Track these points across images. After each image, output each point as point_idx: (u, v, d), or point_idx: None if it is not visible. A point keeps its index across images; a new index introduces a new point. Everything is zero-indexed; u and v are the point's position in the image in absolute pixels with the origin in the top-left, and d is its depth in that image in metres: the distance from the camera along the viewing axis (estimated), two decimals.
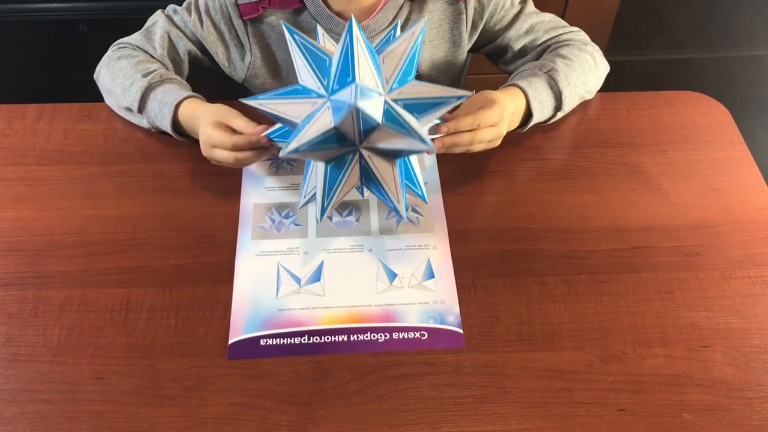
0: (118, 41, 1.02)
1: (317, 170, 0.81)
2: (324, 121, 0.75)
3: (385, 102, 0.76)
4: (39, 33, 1.83)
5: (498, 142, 0.90)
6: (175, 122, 0.93)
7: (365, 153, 0.79)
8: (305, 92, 0.81)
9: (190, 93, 0.94)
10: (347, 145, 0.78)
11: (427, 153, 0.89)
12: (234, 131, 0.85)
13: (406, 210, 0.82)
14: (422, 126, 0.78)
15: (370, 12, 0.98)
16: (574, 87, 0.96)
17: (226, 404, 0.73)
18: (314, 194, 0.83)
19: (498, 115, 0.87)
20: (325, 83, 0.79)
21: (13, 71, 1.89)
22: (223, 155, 0.85)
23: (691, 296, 0.82)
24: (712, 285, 0.83)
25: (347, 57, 0.75)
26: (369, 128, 0.75)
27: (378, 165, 0.80)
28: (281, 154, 0.75)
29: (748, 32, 2.28)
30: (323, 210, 0.81)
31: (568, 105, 0.98)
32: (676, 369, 0.76)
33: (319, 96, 0.79)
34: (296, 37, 0.81)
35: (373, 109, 0.74)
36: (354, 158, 0.80)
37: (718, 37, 2.26)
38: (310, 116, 0.77)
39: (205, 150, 0.88)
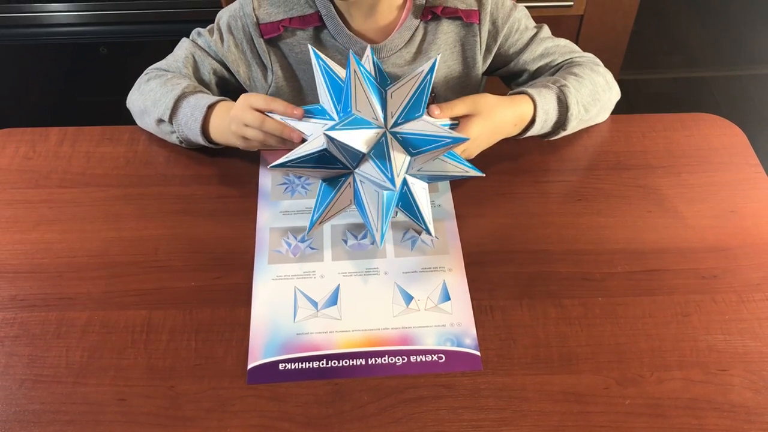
0: (147, 69, 1.04)
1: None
2: (317, 142, 0.81)
3: (384, 134, 0.81)
4: (60, 56, 1.87)
5: (473, 154, 0.91)
6: (205, 126, 0.94)
7: (358, 178, 0.84)
8: (322, 113, 0.86)
9: (224, 98, 0.97)
10: (342, 167, 0.83)
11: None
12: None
13: (382, 239, 0.85)
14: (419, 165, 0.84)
15: (386, 32, 1.00)
16: (580, 109, 0.97)
17: (245, 426, 0.73)
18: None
19: (476, 131, 0.88)
20: (339, 108, 0.84)
21: (34, 93, 1.92)
22: (253, 134, 0.88)
23: (708, 319, 0.82)
24: (730, 308, 0.83)
25: (348, 89, 0.81)
26: (354, 156, 0.81)
27: (366, 191, 0.84)
28: (268, 167, 0.82)
29: (762, 50, 2.28)
30: (311, 223, 0.86)
31: (572, 125, 0.98)
32: (694, 393, 0.76)
33: (331, 119, 0.84)
34: (320, 61, 0.86)
35: (358, 139, 0.78)
36: (347, 181, 0.85)
37: (732, 56, 2.26)
38: (313, 136, 0.83)
39: (237, 127, 0.89)
